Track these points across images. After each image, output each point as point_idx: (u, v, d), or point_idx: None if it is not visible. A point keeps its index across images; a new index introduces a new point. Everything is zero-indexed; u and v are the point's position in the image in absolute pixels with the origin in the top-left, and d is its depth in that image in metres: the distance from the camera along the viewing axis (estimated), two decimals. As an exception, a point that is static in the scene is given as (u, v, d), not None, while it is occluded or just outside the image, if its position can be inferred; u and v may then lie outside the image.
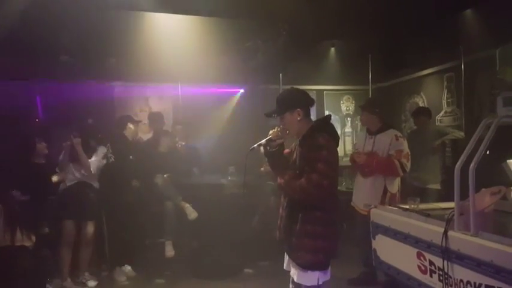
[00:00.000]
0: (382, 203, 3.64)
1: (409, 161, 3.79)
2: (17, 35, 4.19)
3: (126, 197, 4.37)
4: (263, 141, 2.45)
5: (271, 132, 2.46)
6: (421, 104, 5.71)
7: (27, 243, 3.11)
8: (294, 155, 2.47)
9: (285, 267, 2.54)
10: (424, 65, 5.59)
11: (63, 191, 4.13)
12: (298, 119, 2.40)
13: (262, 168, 4.68)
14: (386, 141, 3.83)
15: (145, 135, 5.22)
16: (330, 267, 2.37)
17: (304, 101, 2.45)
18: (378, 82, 6.47)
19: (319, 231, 2.30)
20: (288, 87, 2.73)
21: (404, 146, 3.82)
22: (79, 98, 5.17)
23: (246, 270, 4.47)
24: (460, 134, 4.65)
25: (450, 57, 5.02)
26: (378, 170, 3.81)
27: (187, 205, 4.41)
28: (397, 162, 3.73)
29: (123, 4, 4.26)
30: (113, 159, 4.33)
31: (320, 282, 2.30)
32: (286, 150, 2.57)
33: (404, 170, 3.78)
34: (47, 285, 3.73)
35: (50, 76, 5.14)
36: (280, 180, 2.46)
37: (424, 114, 4.84)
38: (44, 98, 5.37)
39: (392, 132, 3.88)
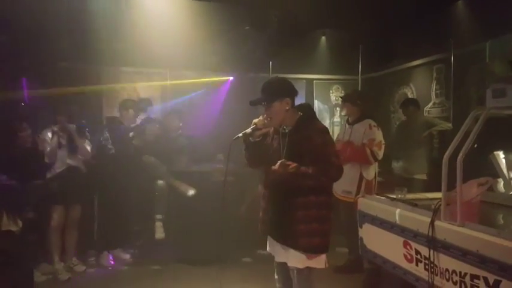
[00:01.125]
0: (359, 189, 3.86)
1: (382, 150, 3.92)
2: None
3: (118, 180, 4.26)
4: (248, 130, 2.39)
5: (256, 120, 2.40)
6: (409, 95, 5.73)
7: (14, 228, 3.07)
8: (275, 144, 2.44)
9: (276, 260, 2.53)
10: (414, 56, 5.60)
11: (52, 177, 4.01)
12: (287, 108, 2.37)
13: None
14: (361, 131, 3.98)
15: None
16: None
17: (292, 91, 2.43)
18: (367, 72, 6.46)
19: (324, 215, 2.36)
20: (278, 75, 2.69)
21: (377, 135, 3.94)
22: (65, 82, 5.05)
23: (232, 257, 4.47)
24: (448, 126, 4.70)
25: (440, 49, 5.03)
26: (351, 158, 3.93)
27: (181, 183, 4.37)
28: (368, 151, 3.87)
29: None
30: (113, 151, 4.22)
31: (327, 265, 2.39)
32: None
33: (375, 159, 3.91)
34: (34, 270, 3.69)
35: (35, 59, 5.00)
36: (277, 169, 2.27)
37: (413, 104, 4.88)
38: (30, 82, 5.23)
39: (367, 122, 4.00)
